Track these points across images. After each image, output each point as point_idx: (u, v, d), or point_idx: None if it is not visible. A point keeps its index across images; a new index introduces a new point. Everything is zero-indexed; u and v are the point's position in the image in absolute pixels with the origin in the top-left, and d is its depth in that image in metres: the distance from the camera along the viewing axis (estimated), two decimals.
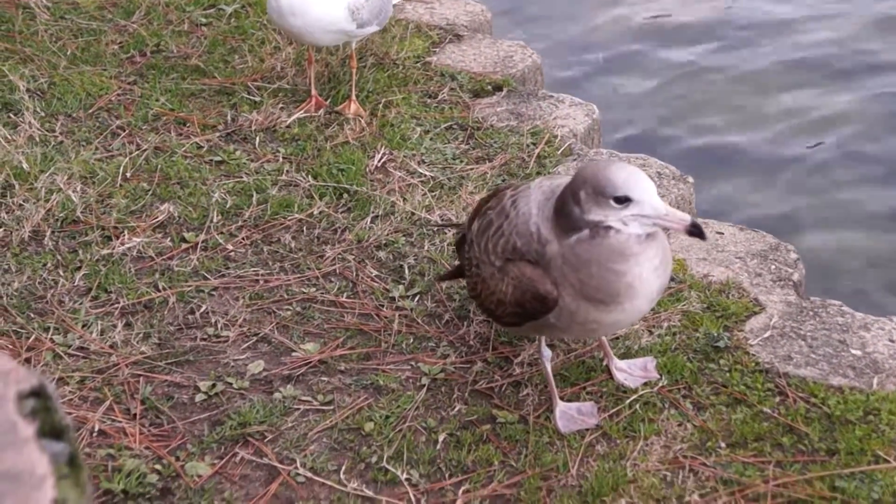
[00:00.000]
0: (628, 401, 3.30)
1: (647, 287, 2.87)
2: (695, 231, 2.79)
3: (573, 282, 2.88)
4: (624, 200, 2.76)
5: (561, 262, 2.89)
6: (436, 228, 4.09)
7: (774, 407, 3.26)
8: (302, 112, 4.86)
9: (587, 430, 3.21)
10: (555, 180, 3.06)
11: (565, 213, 2.86)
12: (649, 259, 2.84)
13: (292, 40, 5.10)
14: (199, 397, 3.38)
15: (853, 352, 3.45)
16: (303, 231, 4.14)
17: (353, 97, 4.91)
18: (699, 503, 2.97)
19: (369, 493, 3.04)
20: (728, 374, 3.38)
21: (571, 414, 3.25)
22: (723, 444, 3.16)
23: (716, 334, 3.50)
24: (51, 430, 1.91)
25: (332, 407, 3.34)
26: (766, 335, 3.53)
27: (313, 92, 4.93)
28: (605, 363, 3.42)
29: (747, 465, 3.08)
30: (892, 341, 3.48)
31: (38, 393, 1.95)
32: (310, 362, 3.51)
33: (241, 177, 4.44)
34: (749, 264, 3.90)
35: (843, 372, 3.38)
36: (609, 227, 2.80)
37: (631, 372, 3.38)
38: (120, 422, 3.27)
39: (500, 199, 3.16)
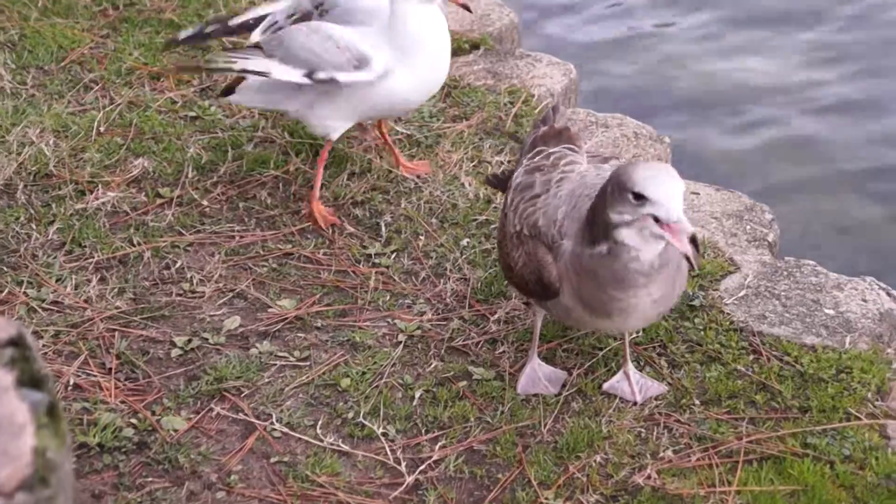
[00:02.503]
0: (601, 353, 3.33)
1: (641, 312, 2.89)
2: (691, 252, 2.68)
3: (574, 284, 2.90)
4: (640, 197, 2.66)
5: (569, 262, 2.89)
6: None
7: (748, 365, 3.29)
8: None
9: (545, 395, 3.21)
10: (603, 174, 2.98)
11: (595, 221, 2.80)
12: (649, 294, 2.83)
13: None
14: (174, 352, 3.36)
15: (826, 311, 3.48)
16: (279, 187, 4.12)
17: None
18: (673, 459, 3.00)
19: (346, 447, 3.05)
20: (703, 333, 3.41)
21: (537, 377, 3.25)
22: (697, 402, 3.19)
23: (691, 293, 3.52)
24: (30, 380, 1.90)
25: (308, 363, 3.34)
26: (740, 294, 3.56)
27: None
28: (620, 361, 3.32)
29: (721, 421, 3.11)
30: (864, 301, 3.51)
31: (16, 342, 1.93)
32: (286, 318, 3.50)
33: (217, 132, 4.40)
34: (724, 224, 3.92)
35: (817, 331, 3.41)
36: (627, 246, 2.74)
37: (637, 387, 3.23)
38: (95, 376, 3.26)
39: (556, 164, 3.14)
